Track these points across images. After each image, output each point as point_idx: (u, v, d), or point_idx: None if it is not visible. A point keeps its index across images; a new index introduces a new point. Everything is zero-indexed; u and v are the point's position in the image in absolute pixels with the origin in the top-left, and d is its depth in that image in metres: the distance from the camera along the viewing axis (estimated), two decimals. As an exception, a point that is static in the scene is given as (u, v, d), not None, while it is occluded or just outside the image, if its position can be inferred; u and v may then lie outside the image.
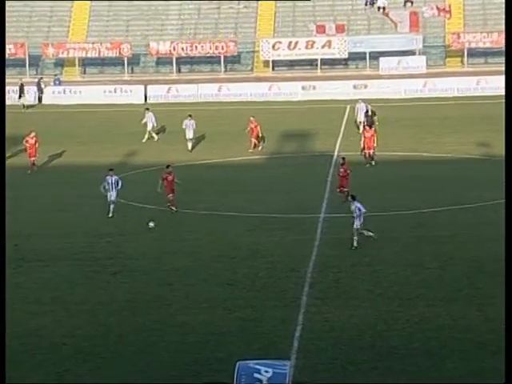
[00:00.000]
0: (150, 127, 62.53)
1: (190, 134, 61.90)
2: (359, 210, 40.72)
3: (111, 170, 45.09)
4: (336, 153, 57.21)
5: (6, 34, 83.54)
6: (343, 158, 49.57)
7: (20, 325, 32.93)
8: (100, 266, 39.62)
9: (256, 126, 60.43)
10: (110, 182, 44.38)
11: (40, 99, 75.58)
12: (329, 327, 31.79)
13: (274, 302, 34.43)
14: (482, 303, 34.44)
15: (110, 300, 36.07)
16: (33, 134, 56.70)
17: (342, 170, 48.47)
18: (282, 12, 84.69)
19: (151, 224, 42.09)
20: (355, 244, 40.56)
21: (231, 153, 57.33)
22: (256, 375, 23.27)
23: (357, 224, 40.80)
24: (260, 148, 60.09)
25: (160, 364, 29.14)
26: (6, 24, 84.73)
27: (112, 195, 44.56)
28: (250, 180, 49.16)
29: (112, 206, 44.76)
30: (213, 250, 41.96)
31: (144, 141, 61.61)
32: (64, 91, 77.85)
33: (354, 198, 41.59)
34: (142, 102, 75.86)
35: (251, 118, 60.93)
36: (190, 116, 62.18)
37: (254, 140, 60.21)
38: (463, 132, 60.98)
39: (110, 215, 44.84)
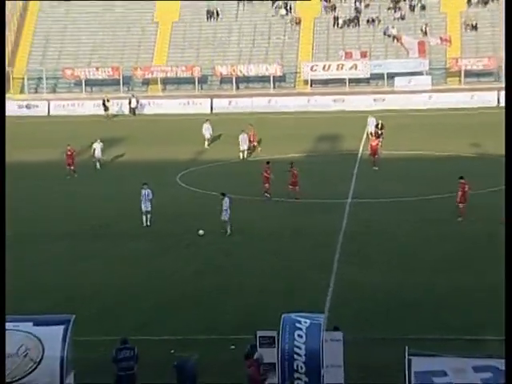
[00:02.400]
0: (207, 136, 61.97)
1: (207, 135, 62.02)
2: (228, 205, 40.09)
3: (145, 184, 42.26)
4: (360, 152, 56.96)
5: (107, 61, 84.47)
6: (291, 163, 48.34)
7: (112, 284, 33.44)
8: (176, 240, 39.46)
9: (254, 134, 60.14)
10: (143, 194, 41.48)
11: (133, 111, 75.50)
12: (354, 287, 32.28)
13: (311, 268, 34.77)
14: (478, 271, 34.24)
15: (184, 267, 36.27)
16: (69, 147, 53.93)
17: (293, 171, 46.84)
18: (318, 41, 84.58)
19: (201, 232, 39.66)
20: (229, 231, 40.02)
21: (279, 151, 56.87)
22: (297, 325, 23.65)
23: (227, 216, 40.16)
24: (259, 150, 59.82)
25: (224, 317, 29.48)
26: (107, 52, 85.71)
27: (147, 206, 41.42)
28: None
29: (148, 216, 41.46)
30: (264, 228, 41.62)
31: (206, 146, 61.29)
32: (149, 104, 78.29)
33: (223, 195, 40.73)
34: (209, 112, 76.25)
35: (250, 126, 60.59)
36: (207, 120, 63.21)
37: (254, 144, 60.01)
38: (460, 135, 60.65)
39: (147, 224, 41.57)
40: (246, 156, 58.41)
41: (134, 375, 24.05)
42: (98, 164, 55.02)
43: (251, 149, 59.52)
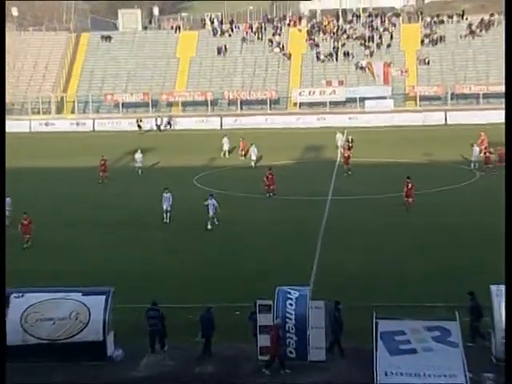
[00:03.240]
0: (226, 148, 61.15)
1: (226, 147, 60.75)
2: (213, 205, 39.08)
3: (166, 188, 41.15)
4: (338, 160, 56.55)
5: (139, 88, 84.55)
6: (270, 168, 47.93)
7: (140, 264, 33.57)
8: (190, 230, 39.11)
9: (244, 144, 60.14)
10: (164, 196, 40.45)
11: (159, 128, 75.28)
12: (333, 267, 32.33)
13: (298, 252, 34.82)
14: (430, 252, 34.46)
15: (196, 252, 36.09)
16: (102, 158, 52.85)
17: (269, 175, 46.46)
18: (304, 72, 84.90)
19: (209, 227, 38.97)
20: (209, 227, 38.86)
21: (274, 159, 56.56)
22: (288, 295, 23.93)
23: (212, 212, 39.13)
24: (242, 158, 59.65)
25: (229, 290, 29.72)
26: (139, 80, 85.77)
27: (167, 206, 40.23)
28: (284, 177, 48.39)
29: (168, 214, 40.28)
30: (260, 219, 41.30)
31: (225, 156, 60.66)
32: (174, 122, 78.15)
33: (211, 195, 40.01)
34: (219, 128, 76.07)
35: (240, 138, 60.94)
36: (226, 135, 62.65)
37: (243, 152, 59.83)
38: (415, 147, 60.74)
39: (166, 221, 40.40)
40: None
41: (160, 329, 24.57)
42: (139, 170, 54.29)
43: (246, 154, 59.37)
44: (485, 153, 52.66)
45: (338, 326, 23.46)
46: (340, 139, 60.64)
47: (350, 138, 58.91)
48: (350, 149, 55.46)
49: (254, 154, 56.55)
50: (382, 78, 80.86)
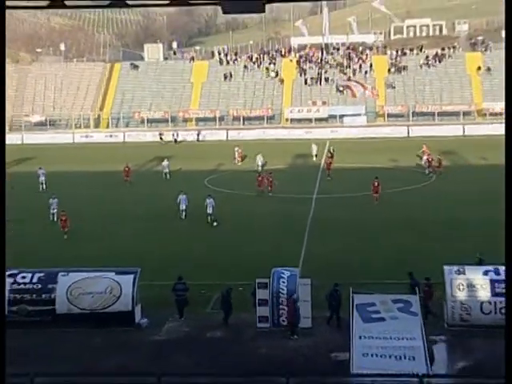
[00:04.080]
0: (237, 155, 60.19)
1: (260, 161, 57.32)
2: (211, 204, 38.23)
3: (182, 191, 40.26)
4: (321, 166, 55.99)
5: (161, 107, 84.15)
6: (270, 172, 47.87)
7: (161, 248, 33.61)
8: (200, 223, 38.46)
9: (241, 152, 60.05)
10: (180, 198, 39.40)
11: (176, 141, 74.98)
12: (318, 252, 32.10)
13: (289, 240, 34.75)
14: (396, 238, 34.30)
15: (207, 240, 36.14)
16: (126, 165, 51.57)
17: (259, 177, 46.43)
18: (295, 94, 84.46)
19: (215, 223, 37.92)
20: (214, 223, 37.92)
21: (269, 164, 56.04)
22: (281, 275, 23.92)
23: (210, 210, 38.31)
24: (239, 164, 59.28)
25: (233, 270, 29.58)
26: (161, 100, 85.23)
27: (183, 206, 39.19)
28: (278, 179, 47.76)
29: (183, 213, 39.24)
30: (257, 213, 40.97)
31: (236, 163, 59.77)
32: (187, 134, 77.76)
33: (210, 195, 39.28)
34: (225, 138, 75.90)
35: (237, 148, 60.65)
36: (237, 146, 61.62)
37: (240, 159, 59.75)
38: (383, 154, 60.61)
39: (182, 218, 39.36)
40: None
41: (185, 299, 24.87)
42: (167, 175, 53.02)
43: (243, 160, 59.31)
44: (427, 160, 53.13)
45: (337, 302, 23.26)
46: (314, 149, 60.52)
47: (331, 148, 58.71)
48: (332, 157, 55.46)
49: (260, 160, 55.60)
50: (362, 92, 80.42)
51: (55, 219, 38.59)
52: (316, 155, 60.19)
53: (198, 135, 76.75)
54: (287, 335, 22.74)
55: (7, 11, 10.71)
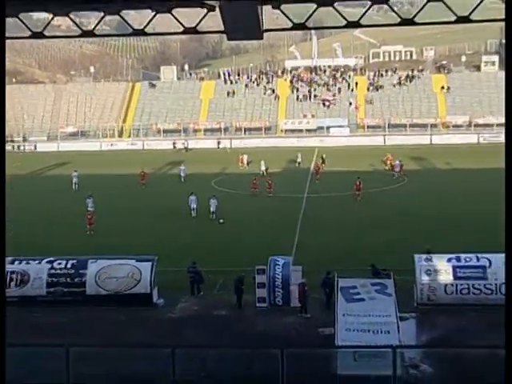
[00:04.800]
0: (245, 161, 59.48)
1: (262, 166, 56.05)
2: (215, 203, 37.75)
3: (192, 192, 39.37)
4: (311, 169, 55.45)
5: (174, 119, 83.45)
6: (255, 177, 47.06)
7: (176, 240, 33.40)
8: (207, 218, 38.11)
9: (242, 158, 59.47)
10: (190, 198, 38.52)
11: (186, 149, 74.58)
12: (308, 244, 31.93)
13: (284, 232, 34.59)
14: (373, 230, 34.15)
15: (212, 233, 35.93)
16: (142, 169, 50.85)
17: (254, 181, 45.29)
18: (288, 108, 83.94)
19: (221, 220, 37.27)
20: (220, 220, 37.07)
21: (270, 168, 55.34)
22: (277, 262, 23.89)
23: (214, 208, 37.65)
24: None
25: (235, 258, 29.50)
26: (174, 114, 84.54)
27: (193, 206, 38.44)
28: (274, 180, 47.47)
29: (194, 211, 38.49)
30: (255, 209, 40.80)
31: (242, 168, 58.90)
32: (197, 143, 77.66)
33: (214, 196, 38.41)
34: (229, 146, 75.48)
35: (240, 154, 60.24)
36: (244, 153, 60.83)
37: (242, 164, 59.07)
38: (364, 160, 60.16)
39: (193, 216, 38.58)
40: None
41: (198, 280, 25.13)
42: (183, 178, 51.79)
43: (241, 167, 58.65)
44: (391, 165, 53.34)
45: (329, 288, 23.02)
46: (299, 156, 59.91)
47: (323, 155, 58.25)
48: (323, 162, 55.45)
49: (263, 165, 54.77)
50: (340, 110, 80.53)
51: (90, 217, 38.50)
52: (299, 162, 59.49)
53: (218, 143, 76.07)
54: (298, 314, 22.56)
55: (47, 39, 10.66)
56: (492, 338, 19.85)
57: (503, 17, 11.80)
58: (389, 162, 54.99)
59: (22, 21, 16.55)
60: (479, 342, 19.12)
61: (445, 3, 15.38)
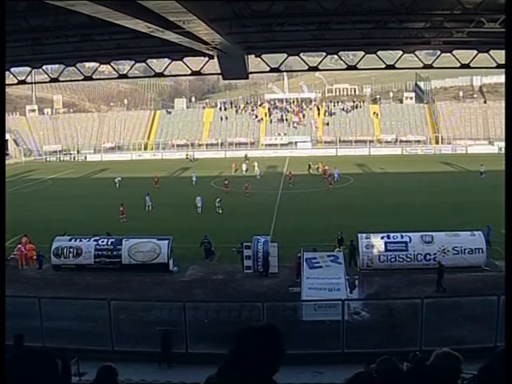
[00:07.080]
0: (244, 168, 56.16)
1: (244, 168, 54.56)
2: (219, 201, 35.22)
3: (198, 194, 36.75)
4: (284, 173, 54.33)
5: (185, 137, 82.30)
6: (247, 181, 44.09)
7: (186, 224, 32.58)
8: (210, 212, 36.47)
9: (235, 165, 56.87)
10: (198, 199, 36.55)
11: (193, 159, 73.19)
12: (283, 226, 31.44)
13: (264, 218, 34.00)
14: (350, 215, 33.09)
15: (213, 221, 35.18)
16: (155, 176, 48.49)
17: (246, 185, 42.32)
18: (268, 128, 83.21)
19: (220, 211, 35.44)
20: (220, 211, 34.84)
21: (252, 172, 54.60)
22: (259, 240, 23.57)
23: (218, 204, 35.19)
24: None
25: (228, 236, 29.00)
26: (184, 133, 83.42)
27: (199, 205, 35.81)
28: (256, 181, 46.87)
29: (199, 209, 35.80)
30: (249, 204, 39.27)
31: (245, 173, 55.75)
32: (201, 154, 76.60)
33: (218, 197, 35.86)
34: (224, 156, 73.75)
35: (233, 162, 57.90)
36: (246, 160, 59.27)
37: (235, 169, 56.36)
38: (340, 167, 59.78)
39: (199, 212, 35.80)
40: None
41: (209, 249, 25.02)
42: (194, 182, 49.18)
43: (234, 171, 56.27)
44: (323, 170, 51.79)
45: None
46: (244, 166, 55.95)
47: (310, 162, 55.17)
48: (310, 168, 53.35)
49: (258, 169, 53.05)
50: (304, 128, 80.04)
51: (150, 209, 37.47)
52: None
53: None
54: (293, 281, 21.34)
55: (94, 81, 10.48)
56: (411, 292, 20.21)
57: (418, 65, 12.00)
58: (321, 169, 52.60)
59: (77, 68, 16.48)
60: (401, 295, 19.39)
61: (377, 55, 15.75)
